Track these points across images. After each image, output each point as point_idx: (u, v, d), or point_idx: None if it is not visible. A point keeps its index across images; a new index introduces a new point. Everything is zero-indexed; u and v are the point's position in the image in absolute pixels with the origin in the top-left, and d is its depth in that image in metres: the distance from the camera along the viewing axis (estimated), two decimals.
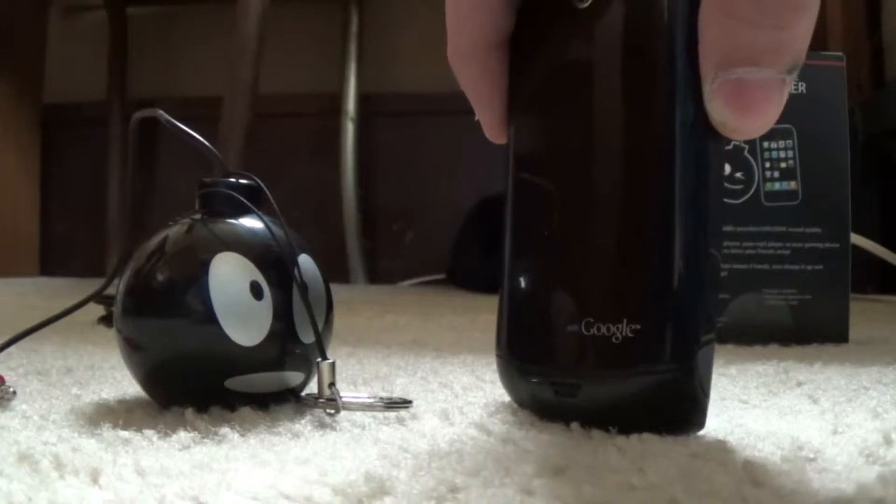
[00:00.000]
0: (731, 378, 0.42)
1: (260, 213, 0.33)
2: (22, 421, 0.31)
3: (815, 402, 0.36)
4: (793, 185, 0.58)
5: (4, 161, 1.51)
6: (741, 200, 0.58)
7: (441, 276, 1.39)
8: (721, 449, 0.26)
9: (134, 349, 0.32)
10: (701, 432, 0.28)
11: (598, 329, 0.27)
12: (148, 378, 0.33)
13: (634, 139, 0.27)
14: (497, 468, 0.24)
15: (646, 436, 0.27)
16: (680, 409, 0.27)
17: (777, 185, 0.58)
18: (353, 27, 1.59)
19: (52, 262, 1.62)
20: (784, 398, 0.37)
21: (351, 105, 1.57)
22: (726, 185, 0.58)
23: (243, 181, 0.34)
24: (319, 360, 0.32)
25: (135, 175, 0.43)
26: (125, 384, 0.39)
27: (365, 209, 1.58)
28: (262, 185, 0.34)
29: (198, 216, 0.33)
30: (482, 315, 0.78)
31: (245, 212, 0.33)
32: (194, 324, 0.31)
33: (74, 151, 1.67)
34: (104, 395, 0.36)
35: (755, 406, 0.35)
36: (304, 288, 0.32)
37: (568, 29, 0.29)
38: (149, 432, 0.28)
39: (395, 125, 1.60)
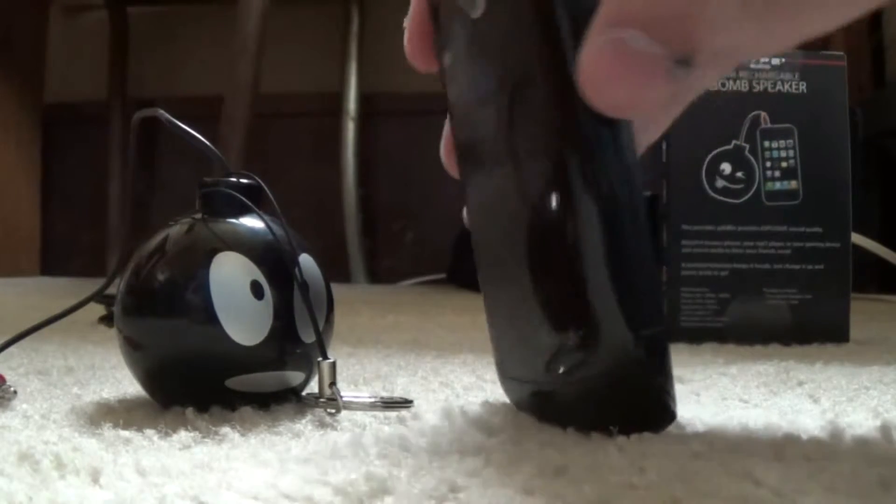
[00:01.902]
0: (731, 377, 0.42)
1: (260, 212, 0.33)
2: (23, 420, 0.31)
3: (816, 401, 0.36)
4: (793, 184, 0.58)
5: (5, 161, 1.51)
6: (742, 200, 0.58)
7: (441, 276, 1.38)
8: (721, 448, 0.26)
9: (134, 348, 0.32)
10: (701, 431, 0.28)
11: (557, 339, 0.27)
12: (148, 377, 0.33)
13: (538, 152, 0.26)
14: (498, 468, 0.24)
15: (646, 435, 0.27)
16: (640, 403, 0.27)
17: (778, 185, 0.58)
18: (354, 27, 1.59)
19: (52, 261, 1.62)
20: (785, 398, 0.37)
21: (352, 105, 1.57)
22: (727, 184, 0.58)
23: (244, 181, 0.34)
24: (320, 359, 0.32)
25: (135, 175, 0.43)
26: (126, 384, 0.39)
27: (365, 209, 1.58)
28: (262, 184, 0.34)
29: (198, 216, 0.33)
30: (482, 315, 0.78)
31: (246, 211, 0.33)
32: (195, 323, 0.31)
33: (75, 151, 1.67)
34: (105, 395, 0.36)
35: (756, 405, 0.35)
36: (304, 287, 0.32)
37: (465, 39, 0.29)
38: (149, 432, 0.28)
39: (396, 125, 1.60)
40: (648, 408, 0.28)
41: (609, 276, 0.25)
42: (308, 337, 0.32)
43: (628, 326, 0.26)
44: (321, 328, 0.32)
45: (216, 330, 0.31)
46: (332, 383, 0.32)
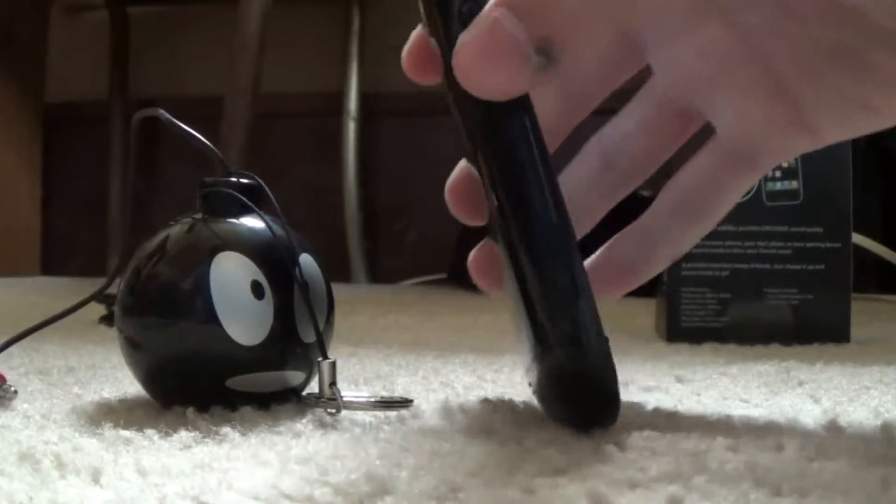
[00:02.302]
0: (732, 377, 0.42)
1: (261, 212, 0.33)
2: (23, 420, 0.31)
3: (817, 401, 0.36)
4: (794, 184, 0.58)
5: (6, 160, 1.51)
6: (742, 200, 0.58)
7: (443, 276, 1.38)
8: (722, 448, 0.26)
9: (134, 348, 0.32)
10: (702, 431, 0.28)
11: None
12: (148, 377, 0.33)
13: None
14: (498, 467, 0.24)
15: (647, 433, 0.27)
16: (582, 393, 0.27)
17: (778, 185, 0.58)
18: (355, 26, 1.59)
19: (53, 261, 1.62)
20: (785, 398, 0.37)
21: (352, 104, 1.57)
22: None
23: (244, 181, 0.34)
24: (320, 359, 0.32)
25: (135, 174, 0.43)
26: (126, 383, 0.39)
27: (366, 209, 1.58)
28: (262, 184, 0.34)
29: (199, 216, 0.33)
30: (484, 315, 0.78)
31: (246, 211, 0.33)
32: (195, 323, 0.31)
33: (76, 151, 1.67)
34: (105, 395, 0.36)
35: (757, 405, 0.35)
36: (305, 287, 0.32)
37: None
38: (150, 432, 0.28)
39: (397, 125, 1.60)
40: (591, 396, 0.27)
41: (531, 263, 0.25)
42: (308, 337, 0.32)
43: (548, 315, 0.26)
44: (321, 328, 0.32)
45: (216, 330, 0.31)
46: (333, 383, 0.32)
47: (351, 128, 1.58)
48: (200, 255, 0.31)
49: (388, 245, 1.60)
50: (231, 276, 0.31)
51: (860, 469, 0.24)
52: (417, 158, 1.60)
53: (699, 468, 0.23)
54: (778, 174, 0.58)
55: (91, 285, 0.36)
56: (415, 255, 1.58)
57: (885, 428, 0.29)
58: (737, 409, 0.34)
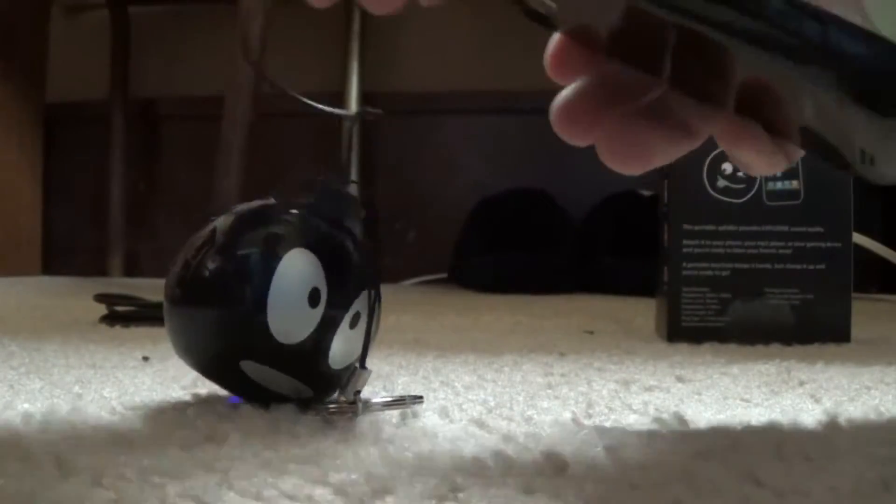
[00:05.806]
0: (733, 377, 0.42)
1: (361, 228, 0.34)
2: (24, 420, 0.31)
3: (818, 401, 0.36)
4: (795, 184, 0.58)
5: (7, 160, 1.51)
6: (743, 200, 0.58)
7: (443, 276, 1.38)
8: (723, 448, 0.26)
9: (185, 304, 0.32)
10: (703, 431, 0.28)
11: None
12: (181, 330, 0.33)
13: None
14: (498, 467, 0.24)
15: (648, 432, 0.27)
16: None
17: (779, 185, 0.58)
18: (356, 26, 1.59)
19: (53, 260, 1.62)
20: (786, 397, 0.37)
21: (353, 104, 1.57)
22: (729, 184, 0.58)
23: (347, 193, 0.34)
24: (357, 365, 0.32)
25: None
26: (126, 383, 0.39)
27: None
28: (374, 204, 0.35)
29: (300, 208, 0.33)
30: (484, 315, 0.78)
31: (347, 223, 0.34)
32: (243, 302, 0.31)
33: (77, 150, 1.67)
34: (106, 395, 0.36)
35: (757, 405, 0.35)
36: (369, 322, 0.32)
37: None
38: (151, 431, 0.28)
39: (398, 124, 1.60)
40: None
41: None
42: (337, 363, 0.32)
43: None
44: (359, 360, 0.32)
45: (258, 315, 0.31)
46: (358, 392, 0.32)
47: (352, 127, 1.58)
48: (279, 243, 0.32)
49: (388, 244, 1.60)
50: (296, 274, 0.31)
51: (861, 469, 0.24)
52: (417, 158, 1.60)
53: (699, 469, 0.23)
54: (778, 174, 0.58)
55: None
56: (415, 254, 1.58)
57: (886, 428, 0.29)
58: (738, 409, 0.34)
